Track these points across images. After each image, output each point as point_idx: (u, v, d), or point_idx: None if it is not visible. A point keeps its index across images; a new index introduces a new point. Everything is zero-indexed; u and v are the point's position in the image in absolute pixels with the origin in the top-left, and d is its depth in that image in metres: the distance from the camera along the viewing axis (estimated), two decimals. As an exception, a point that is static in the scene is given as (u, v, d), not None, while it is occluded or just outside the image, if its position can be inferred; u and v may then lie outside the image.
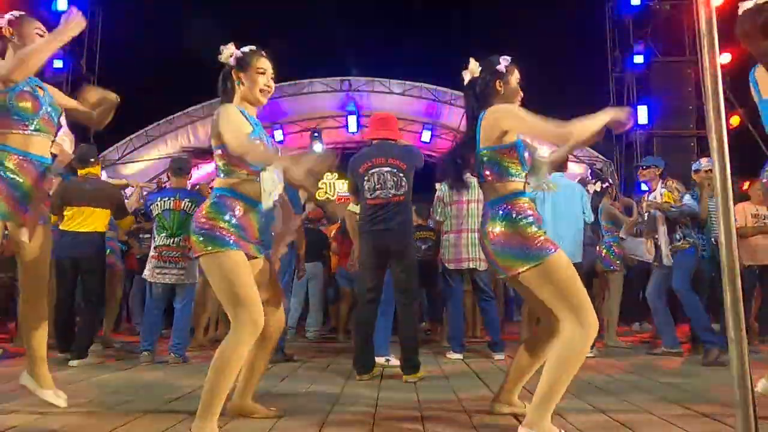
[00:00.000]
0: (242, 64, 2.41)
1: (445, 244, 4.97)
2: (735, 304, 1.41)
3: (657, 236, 4.99)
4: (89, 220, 4.44)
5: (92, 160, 4.66)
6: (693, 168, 5.31)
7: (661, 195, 4.94)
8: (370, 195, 3.78)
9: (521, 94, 2.55)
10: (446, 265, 4.95)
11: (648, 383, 3.50)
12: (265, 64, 2.44)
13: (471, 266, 4.85)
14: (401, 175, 3.77)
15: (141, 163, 12.01)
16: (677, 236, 4.85)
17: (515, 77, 2.54)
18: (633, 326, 7.64)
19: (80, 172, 4.60)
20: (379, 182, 3.76)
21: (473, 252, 4.81)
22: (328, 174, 14.46)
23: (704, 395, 3.04)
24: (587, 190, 5.38)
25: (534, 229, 2.28)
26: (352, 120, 12.76)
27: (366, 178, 3.80)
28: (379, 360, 4.02)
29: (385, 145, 3.90)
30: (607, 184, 6.19)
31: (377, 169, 3.79)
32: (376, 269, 3.81)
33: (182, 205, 4.56)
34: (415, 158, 3.91)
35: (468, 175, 5.25)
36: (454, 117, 12.53)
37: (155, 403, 2.84)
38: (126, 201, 5.44)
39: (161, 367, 4.25)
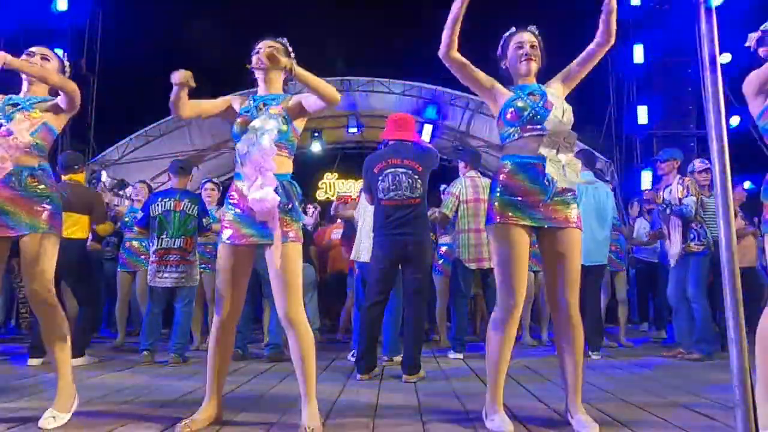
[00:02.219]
0: None
1: (463, 243, 4.92)
2: (735, 304, 1.41)
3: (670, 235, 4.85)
4: (71, 226, 4.29)
5: (76, 167, 4.63)
6: (689, 170, 5.25)
7: (676, 190, 4.78)
8: (384, 196, 3.77)
9: (521, 54, 2.47)
10: (466, 264, 4.91)
11: (648, 383, 3.49)
12: (257, 48, 2.55)
13: (490, 266, 4.81)
14: (416, 176, 3.74)
15: (141, 163, 11.99)
16: (691, 236, 4.67)
17: (511, 46, 2.52)
18: (641, 327, 7.62)
19: (63, 178, 4.51)
20: (394, 183, 3.74)
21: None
22: (328, 174, 14.46)
23: (704, 395, 3.03)
24: None
25: (494, 194, 2.39)
26: (352, 120, 12.75)
27: (380, 178, 3.78)
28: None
29: (401, 145, 3.87)
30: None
31: (392, 170, 3.77)
32: (390, 271, 3.81)
33: (182, 206, 4.56)
34: (432, 160, 3.88)
35: (480, 174, 5.28)
36: (455, 117, 12.52)
37: (155, 403, 2.84)
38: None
39: (161, 367, 4.25)
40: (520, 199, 2.34)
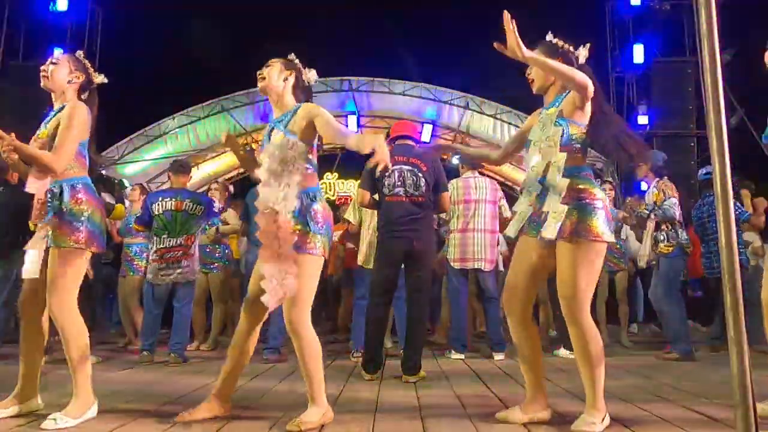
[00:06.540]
0: None
1: (451, 243, 4.94)
2: (735, 304, 1.41)
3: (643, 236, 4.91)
4: None
5: None
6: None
7: (651, 194, 4.81)
8: (389, 192, 3.78)
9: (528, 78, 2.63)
10: (451, 264, 4.93)
11: (648, 383, 3.49)
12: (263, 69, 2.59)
13: (476, 266, 4.83)
14: (420, 175, 3.77)
15: (141, 163, 11.99)
16: (660, 237, 4.69)
17: None
18: (631, 327, 7.62)
19: None
20: (399, 179, 3.77)
21: (479, 252, 4.80)
22: (328, 174, 14.46)
23: (704, 395, 3.03)
24: None
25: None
26: (352, 120, 12.74)
27: (386, 174, 3.79)
28: None
29: (406, 146, 3.94)
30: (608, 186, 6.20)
31: (398, 167, 3.79)
32: (395, 269, 3.81)
33: (184, 205, 4.58)
34: (437, 163, 3.92)
35: (477, 174, 5.31)
36: (454, 117, 12.52)
37: (155, 403, 2.84)
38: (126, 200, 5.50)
39: (161, 367, 4.25)
40: (532, 215, 2.50)
